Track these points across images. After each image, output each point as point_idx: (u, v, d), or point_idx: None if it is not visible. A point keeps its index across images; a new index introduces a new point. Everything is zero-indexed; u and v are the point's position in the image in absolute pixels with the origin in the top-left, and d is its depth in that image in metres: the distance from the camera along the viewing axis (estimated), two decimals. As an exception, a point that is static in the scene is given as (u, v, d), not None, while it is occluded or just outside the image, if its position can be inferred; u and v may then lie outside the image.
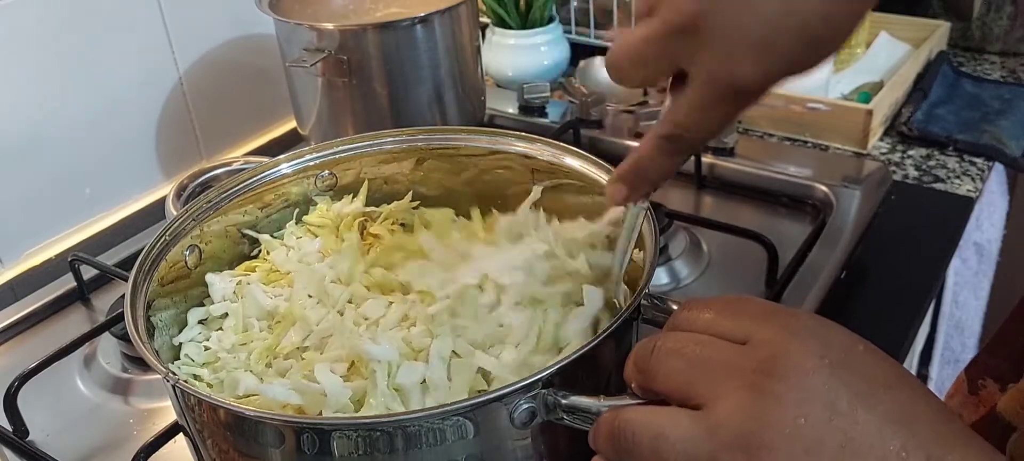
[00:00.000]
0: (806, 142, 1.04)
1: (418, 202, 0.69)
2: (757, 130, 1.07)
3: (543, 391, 0.43)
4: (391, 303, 0.57)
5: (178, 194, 0.85)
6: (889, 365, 0.36)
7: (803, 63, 0.39)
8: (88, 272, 0.85)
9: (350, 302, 0.59)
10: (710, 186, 0.96)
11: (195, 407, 0.48)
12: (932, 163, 1.00)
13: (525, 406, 0.43)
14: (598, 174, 0.61)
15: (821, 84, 1.07)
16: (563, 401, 0.43)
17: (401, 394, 0.50)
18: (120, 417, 0.71)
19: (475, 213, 0.67)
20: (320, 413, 0.50)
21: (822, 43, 0.39)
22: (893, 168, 0.99)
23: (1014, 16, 1.20)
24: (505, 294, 0.54)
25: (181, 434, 0.58)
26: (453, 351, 0.52)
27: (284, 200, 0.67)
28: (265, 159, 0.68)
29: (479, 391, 0.50)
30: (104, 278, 0.86)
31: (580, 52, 1.21)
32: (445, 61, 0.92)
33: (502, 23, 1.17)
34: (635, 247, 0.53)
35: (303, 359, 0.55)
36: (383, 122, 0.91)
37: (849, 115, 1.01)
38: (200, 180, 0.87)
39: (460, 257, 0.59)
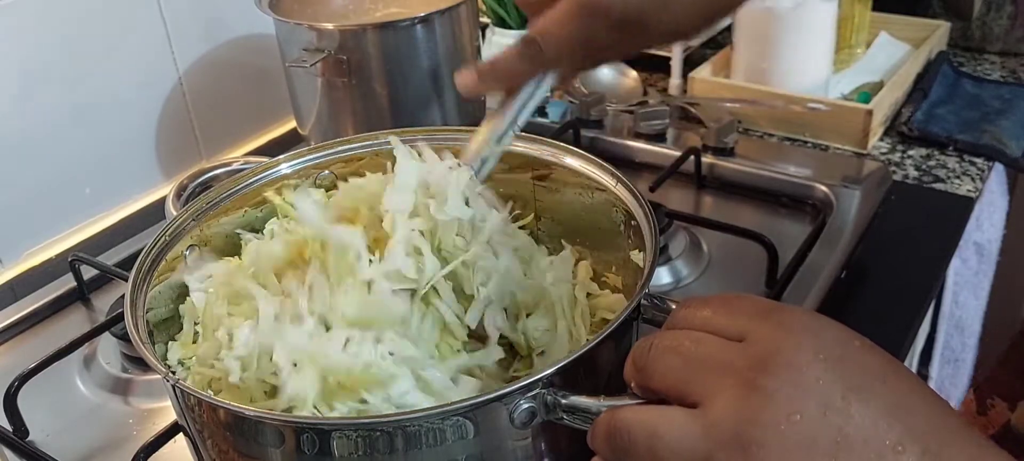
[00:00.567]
0: (806, 142, 1.04)
1: None
2: (757, 130, 1.07)
3: (543, 391, 0.43)
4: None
5: (178, 194, 0.85)
6: (885, 360, 0.36)
7: (668, 19, 0.45)
8: (88, 272, 0.85)
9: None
10: (710, 186, 0.95)
11: (195, 407, 0.48)
12: (932, 163, 1.00)
13: (525, 406, 0.43)
14: (598, 174, 0.61)
15: (821, 84, 1.08)
16: (563, 401, 0.43)
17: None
18: (120, 417, 0.71)
19: None
20: None
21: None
22: (893, 168, 0.99)
23: (1014, 16, 1.20)
24: None
25: (181, 434, 0.57)
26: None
27: (284, 200, 0.67)
28: (265, 159, 0.68)
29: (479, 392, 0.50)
30: (104, 278, 0.86)
31: (580, 52, 1.21)
32: (445, 61, 0.92)
33: (502, 23, 1.17)
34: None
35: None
36: (383, 122, 0.91)
37: (849, 115, 1.01)
38: (200, 180, 0.87)
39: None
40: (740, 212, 0.91)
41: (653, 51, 1.19)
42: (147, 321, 0.55)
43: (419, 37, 0.89)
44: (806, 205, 0.90)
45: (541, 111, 1.09)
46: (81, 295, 0.85)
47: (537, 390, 0.43)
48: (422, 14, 0.89)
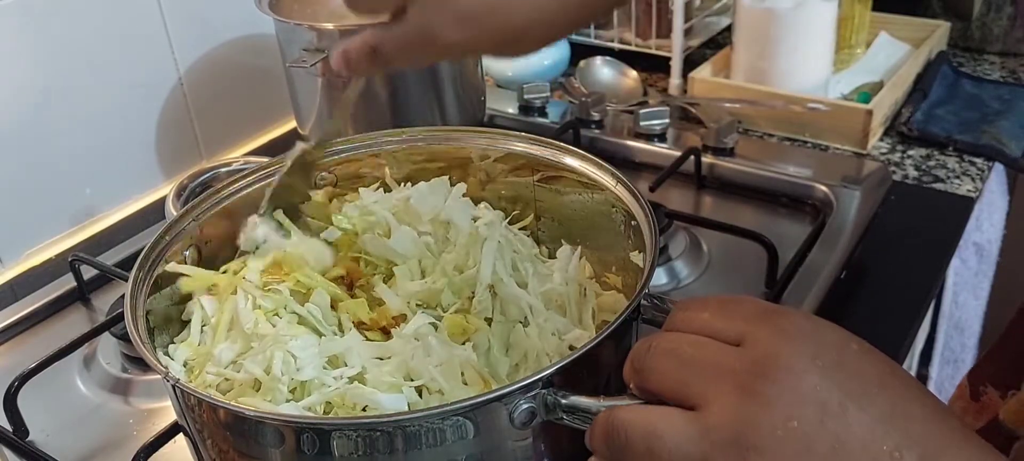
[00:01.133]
0: (806, 142, 1.04)
1: None
2: (757, 130, 1.07)
3: (543, 391, 0.43)
4: None
5: (178, 194, 0.85)
6: (883, 364, 0.36)
7: (505, 50, 0.50)
8: (88, 272, 0.85)
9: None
10: (710, 186, 0.96)
11: (195, 407, 0.48)
12: (932, 163, 1.00)
13: (525, 406, 0.43)
14: (598, 174, 0.61)
15: (821, 84, 1.08)
16: (563, 401, 0.43)
17: None
18: (120, 417, 0.71)
19: None
20: None
21: (522, 43, 0.49)
22: (893, 168, 0.99)
23: (1014, 16, 1.20)
24: None
25: (181, 434, 0.57)
26: None
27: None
28: (265, 159, 0.68)
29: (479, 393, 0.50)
30: (104, 278, 0.86)
31: (580, 52, 1.21)
32: (445, 61, 0.92)
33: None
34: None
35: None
36: (383, 122, 0.91)
37: (849, 115, 1.01)
38: (200, 180, 0.87)
39: None
40: (740, 212, 0.91)
41: (653, 51, 1.19)
42: (147, 321, 0.55)
43: (419, 37, 0.89)
44: (806, 205, 0.90)
45: (541, 111, 1.09)
46: (81, 295, 0.85)
47: (537, 390, 0.43)
48: (422, 14, 0.88)
